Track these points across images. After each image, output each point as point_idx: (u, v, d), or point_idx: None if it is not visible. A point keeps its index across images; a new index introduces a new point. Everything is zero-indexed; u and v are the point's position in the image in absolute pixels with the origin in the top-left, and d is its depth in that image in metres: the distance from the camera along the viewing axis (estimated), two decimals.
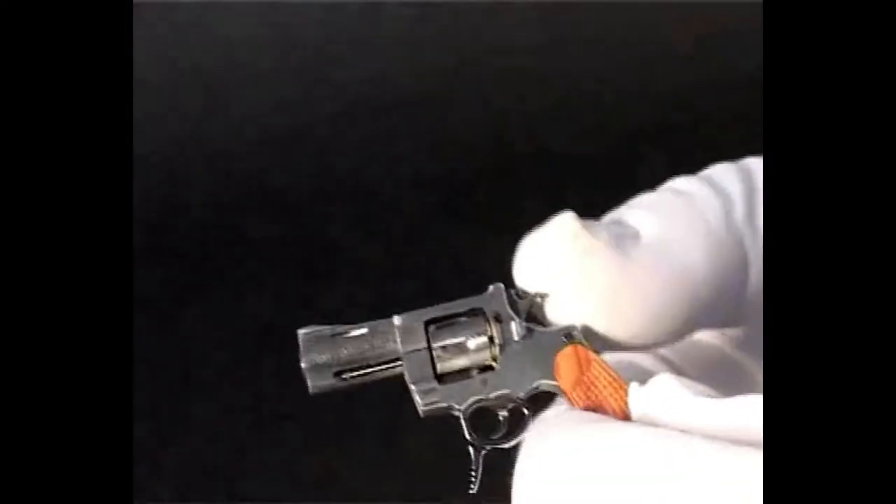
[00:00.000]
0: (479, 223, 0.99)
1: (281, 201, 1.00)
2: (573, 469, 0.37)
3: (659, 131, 1.02)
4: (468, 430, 0.43)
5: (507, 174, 1.02)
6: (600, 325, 0.42)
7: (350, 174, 1.02)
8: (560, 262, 0.41)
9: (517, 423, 0.43)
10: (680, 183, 0.44)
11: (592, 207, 0.44)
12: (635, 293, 0.41)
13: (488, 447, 0.43)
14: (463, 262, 0.95)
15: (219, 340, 0.94)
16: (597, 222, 0.42)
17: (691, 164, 0.46)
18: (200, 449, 0.91)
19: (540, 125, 1.03)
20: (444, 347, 0.43)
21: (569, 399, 0.42)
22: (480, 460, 0.43)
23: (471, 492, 0.42)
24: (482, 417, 0.43)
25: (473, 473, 0.43)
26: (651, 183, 0.45)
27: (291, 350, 0.43)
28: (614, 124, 1.03)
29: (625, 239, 0.42)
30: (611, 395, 0.41)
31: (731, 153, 0.45)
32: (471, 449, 0.43)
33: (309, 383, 0.43)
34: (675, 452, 0.35)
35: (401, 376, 0.43)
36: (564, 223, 0.42)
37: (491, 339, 0.43)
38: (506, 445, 0.42)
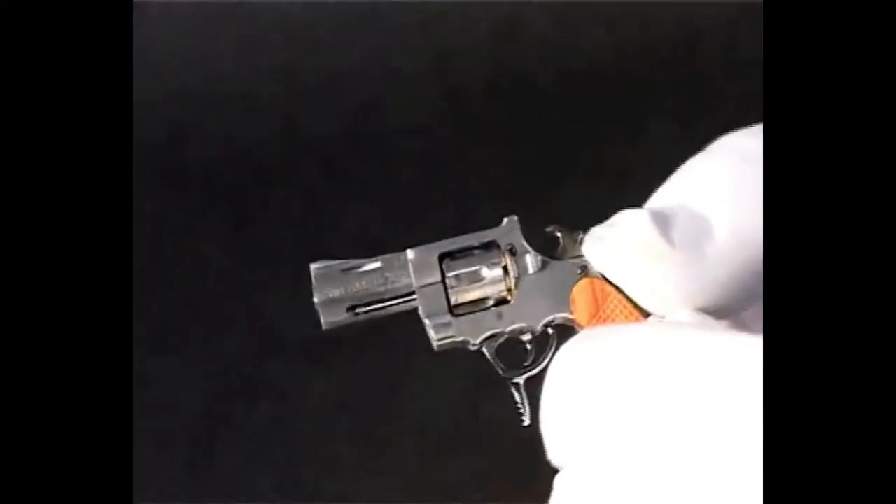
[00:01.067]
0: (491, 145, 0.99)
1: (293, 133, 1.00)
2: (591, 370, 0.37)
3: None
4: (496, 364, 0.43)
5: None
6: (668, 316, 0.41)
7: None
8: (632, 266, 0.40)
9: (544, 347, 0.43)
10: (738, 142, 0.42)
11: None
12: (712, 293, 0.40)
13: (522, 377, 0.43)
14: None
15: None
16: (670, 215, 0.40)
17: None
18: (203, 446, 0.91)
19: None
20: (457, 276, 0.43)
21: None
22: (522, 391, 0.43)
23: (524, 424, 0.43)
24: (509, 348, 0.43)
25: (520, 406, 0.43)
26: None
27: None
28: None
29: (699, 236, 0.40)
30: None
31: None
32: (511, 387, 0.43)
33: (322, 319, 0.43)
34: (684, 347, 0.35)
35: (415, 310, 0.43)
36: (638, 225, 0.40)
37: (505, 269, 0.43)
38: (536, 370, 0.43)
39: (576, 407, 0.36)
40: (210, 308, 0.93)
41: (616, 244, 0.41)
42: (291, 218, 0.96)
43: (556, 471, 0.37)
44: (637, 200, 0.43)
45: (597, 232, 0.42)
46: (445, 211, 0.93)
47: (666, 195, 0.42)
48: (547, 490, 0.42)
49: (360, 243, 0.94)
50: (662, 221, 0.40)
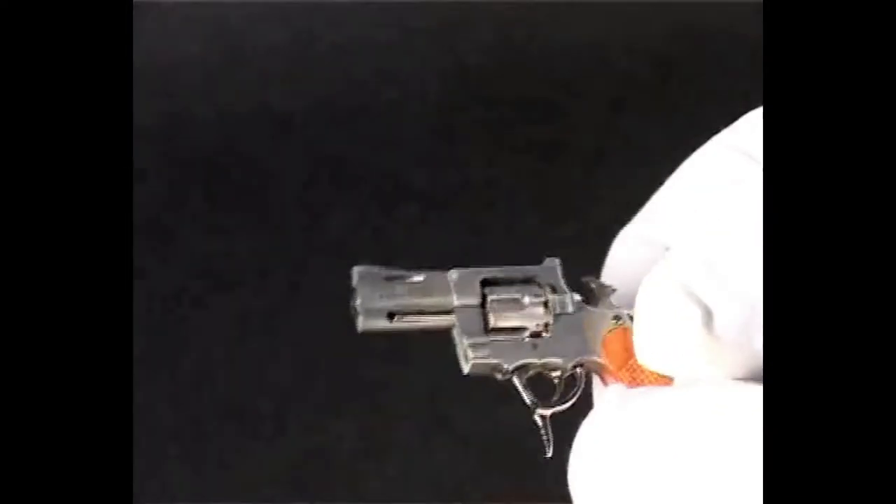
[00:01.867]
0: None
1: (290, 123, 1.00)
2: (628, 446, 0.38)
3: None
4: (527, 394, 0.43)
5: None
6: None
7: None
8: (682, 360, 0.40)
9: (572, 384, 0.43)
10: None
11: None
12: (758, 369, 0.40)
13: (549, 410, 0.43)
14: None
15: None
16: (712, 307, 0.40)
17: None
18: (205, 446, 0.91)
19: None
20: (499, 301, 0.43)
21: (613, 378, 0.43)
22: (548, 424, 0.43)
23: (547, 456, 0.43)
24: (537, 384, 0.44)
25: (545, 438, 0.43)
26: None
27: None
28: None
29: (749, 327, 0.39)
30: (656, 379, 0.42)
31: None
32: (537, 418, 0.43)
33: (360, 323, 0.43)
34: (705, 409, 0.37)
35: (449, 329, 0.43)
36: (689, 327, 0.40)
37: (546, 304, 0.43)
38: (564, 406, 0.43)
39: (613, 477, 0.37)
40: (210, 307, 0.94)
41: (666, 338, 0.41)
42: (291, 217, 0.96)
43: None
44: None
45: (643, 324, 0.41)
46: (445, 210, 0.93)
47: (689, 239, 0.41)
48: (547, 490, 0.42)
49: (359, 241, 0.95)
50: (707, 317, 0.40)
